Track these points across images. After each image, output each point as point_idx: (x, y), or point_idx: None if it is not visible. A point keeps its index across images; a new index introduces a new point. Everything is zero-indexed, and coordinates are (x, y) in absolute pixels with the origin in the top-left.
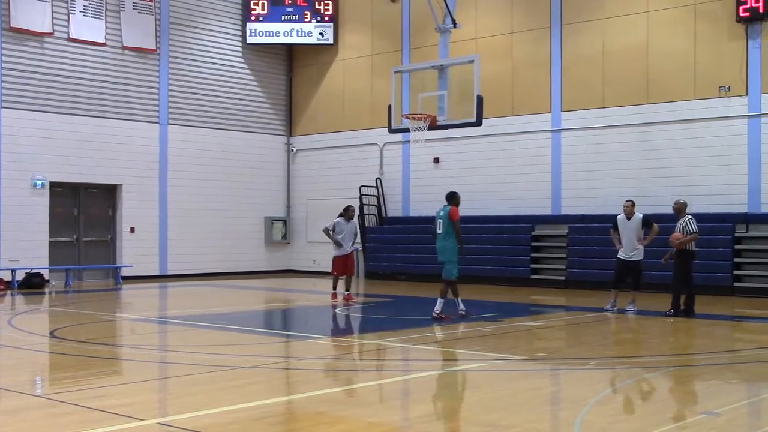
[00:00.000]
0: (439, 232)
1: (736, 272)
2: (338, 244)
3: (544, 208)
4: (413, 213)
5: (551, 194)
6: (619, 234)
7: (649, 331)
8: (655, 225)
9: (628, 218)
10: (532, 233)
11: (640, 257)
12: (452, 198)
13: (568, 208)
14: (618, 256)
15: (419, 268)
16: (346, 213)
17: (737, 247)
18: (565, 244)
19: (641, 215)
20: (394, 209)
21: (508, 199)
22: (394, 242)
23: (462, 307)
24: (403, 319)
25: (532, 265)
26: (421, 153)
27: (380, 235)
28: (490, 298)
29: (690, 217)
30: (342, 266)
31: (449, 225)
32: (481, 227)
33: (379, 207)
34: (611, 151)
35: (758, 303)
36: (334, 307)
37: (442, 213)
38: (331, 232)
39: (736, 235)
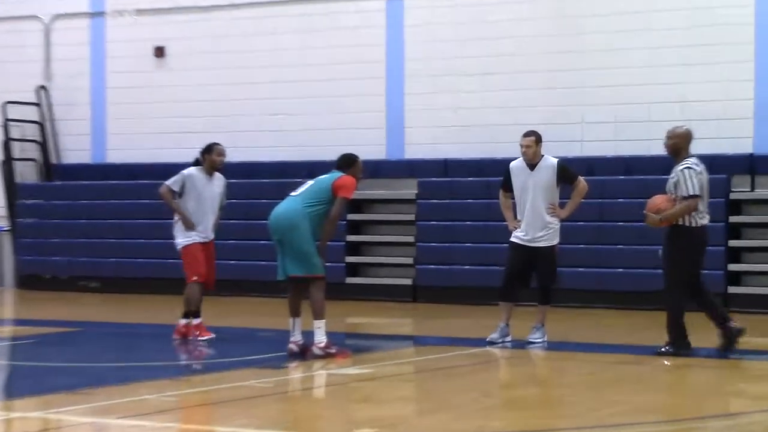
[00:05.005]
0: (295, 194)
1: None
2: (188, 223)
3: (374, 149)
4: (113, 158)
5: (386, 123)
6: (513, 198)
7: (598, 385)
8: (581, 179)
9: (531, 166)
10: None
11: (553, 241)
12: (349, 164)
13: (419, 148)
14: (512, 238)
15: (129, 267)
16: (208, 157)
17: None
18: (412, 217)
19: (556, 161)
20: (74, 151)
21: (299, 131)
22: (73, 216)
23: (299, 338)
24: (99, 368)
25: (350, 259)
26: (129, 38)
27: (46, 203)
28: (266, 323)
29: (692, 162)
30: (207, 264)
31: (326, 197)
32: (246, 186)
33: (43, 147)
34: (492, 29)
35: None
36: (187, 346)
37: (323, 177)
38: (176, 196)
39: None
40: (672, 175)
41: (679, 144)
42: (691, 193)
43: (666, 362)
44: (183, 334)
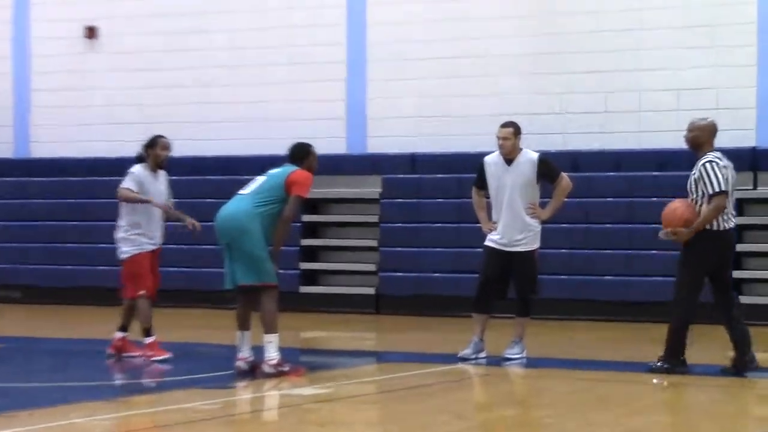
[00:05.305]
0: (244, 192)
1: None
2: (169, 211)
3: (333, 142)
4: (38, 152)
5: (346, 113)
6: (488, 196)
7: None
8: (563, 176)
9: (508, 161)
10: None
11: (533, 245)
12: (303, 155)
13: (383, 141)
14: (487, 242)
15: (56, 275)
16: (152, 152)
17: None
18: (376, 218)
19: (536, 156)
20: None
21: (248, 122)
22: None
23: (248, 354)
24: (23, 389)
25: (305, 265)
26: (56, 16)
27: None
28: (211, 338)
29: (714, 156)
30: (153, 274)
31: (279, 195)
32: (189, 183)
33: None
34: (464, 8)
35: None
36: (123, 364)
37: (275, 171)
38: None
39: None
40: (693, 171)
41: (700, 137)
42: (717, 190)
43: (655, 380)
44: (118, 349)
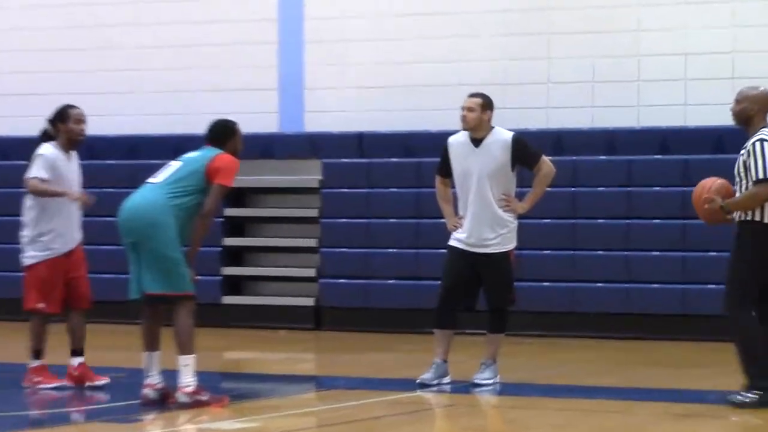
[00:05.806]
0: (155, 180)
1: None
2: (86, 200)
3: (263, 119)
4: None
5: (278, 83)
6: (454, 186)
7: None
8: (545, 161)
9: (476, 142)
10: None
11: (508, 245)
12: (226, 136)
13: (323, 117)
14: (451, 241)
15: None
16: (63, 127)
17: None
18: (315, 212)
19: (510, 135)
20: None
21: (158, 93)
22: None
23: (157, 380)
24: None
25: (228, 271)
26: None
27: None
28: (112, 360)
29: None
30: (62, 285)
31: (198, 184)
32: (87, 169)
33: None
34: None
35: None
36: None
37: (192, 156)
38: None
39: None
40: (742, 150)
41: (749, 109)
42: (760, 177)
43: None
44: (78, 380)
